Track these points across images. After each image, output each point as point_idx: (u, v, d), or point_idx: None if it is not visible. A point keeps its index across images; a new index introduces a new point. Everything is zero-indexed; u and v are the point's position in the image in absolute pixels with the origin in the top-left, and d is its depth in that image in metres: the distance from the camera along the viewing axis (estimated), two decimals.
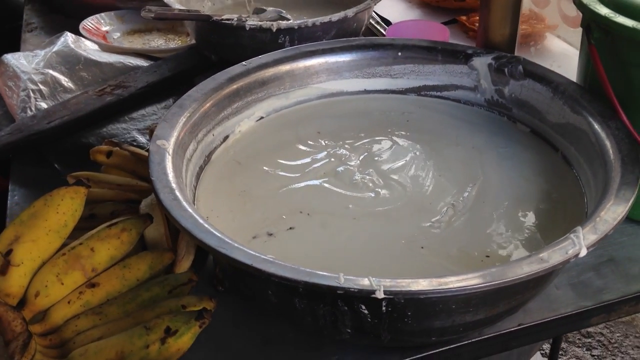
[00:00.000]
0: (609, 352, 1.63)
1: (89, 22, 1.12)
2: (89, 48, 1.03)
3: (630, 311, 0.65)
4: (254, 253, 0.51)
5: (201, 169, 0.71)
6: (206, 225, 0.54)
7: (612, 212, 0.54)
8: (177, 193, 0.57)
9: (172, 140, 0.65)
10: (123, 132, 0.86)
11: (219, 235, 0.53)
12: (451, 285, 0.48)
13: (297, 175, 0.70)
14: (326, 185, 0.69)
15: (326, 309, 0.53)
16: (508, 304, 0.55)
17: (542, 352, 1.56)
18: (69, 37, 1.01)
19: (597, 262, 0.68)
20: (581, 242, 0.51)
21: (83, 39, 1.05)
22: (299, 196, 0.67)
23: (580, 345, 1.66)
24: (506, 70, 0.77)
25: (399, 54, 0.83)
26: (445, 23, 1.13)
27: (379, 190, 0.68)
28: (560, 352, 1.46)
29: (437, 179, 0.69)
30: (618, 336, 1.67)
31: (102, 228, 0.58)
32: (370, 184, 0.69)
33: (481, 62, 0.79)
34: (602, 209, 0.55)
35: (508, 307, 0.56)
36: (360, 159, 0.73)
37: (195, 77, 0.99)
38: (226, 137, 0.76)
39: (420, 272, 0.58)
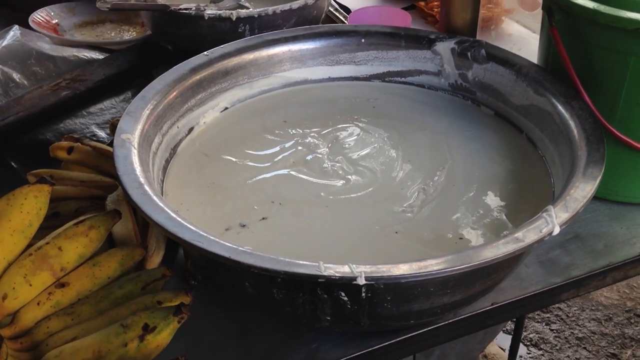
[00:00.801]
0: (567, 326, 1.69)
1: (38, 15, 1.08)
2: (39, 42, 0.99)
3: (598, 285, 0.67)
4: (231, 245, 0.50)
5: (167, 162, 0.69)
6: (179, 219, 0.52)
7: (582, 190, 0.55)
8: (146, 187, 0.56)
9: (137, 133, 0.63)
10: (82, 127, 0.83)
11: (193, 228, 0.51)
12: (431, 269, 0.48)
13: (266, 165, 0.70)
14: (296, 174, 0.68)
15: (305, 297, 0.52)
16: (484, 284, 0.56)
17: (504, 330, 1.60)
18: (18, 31, 0.97)
19: (563, 239, 0.69)
20: (554, 220, 0.52)
21: (33, 32, 1.01)
22: (270, 186, 0.67)
23: (539, 320, 1.71)
24: (469, 54, 0.77)
25: (362, 40, 0.82)
26: (403, 9, 1.14)
27: (350, 177, 0.68)
28: None
29: (406, 165, 0.69)
30: (575, 310, 1.72)
31: (69, 226, 0.56)
32: (341, 171, 0.68)
33: (444, 47, 0.79)
34: (571, 187, 0.56)
35: (483, 287, 0.56)
36: (328, 146, 0.72)
37: (153, 69, 0.97)
38: (191, 129, 0.74)
39: (397, 256, 0.58)
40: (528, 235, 0.51)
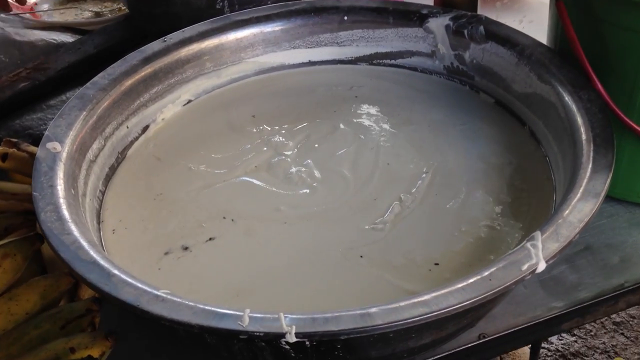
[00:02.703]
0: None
1: None
2: (10, 25, 0.92)
3: (608, 311, 0.56)
4: (144, 288, 0.42)
5: (112, 169, 0.61)
6: (91, 253, 0.45)
7: (578, 212, 0.45)
8: (64, 211, 0.48)
9: (68, 140, 0.55)
10: (38, 123, 0.76)
11: (104, 265, 0.44)
12: (378, 321, 0.39)
13: (223, 171, 0.61)
14: (256, 181, 0.60)
15: (241, 345, 0.44)
16: (457, 324, 0.46)
17: None
18: None
19: (571, 251, 0.59)
20: (539, 253, 0.42)
21: (1, 14, 0.94)
22: (224, 197, 0.58)
23: None
24: (466, 32, 0.66)
25: (345, 17, 0.72)
26: None
27: (316, 185, 0.59)
28: None
29: (385, 168, 0.60)
30: None
31: None
32: (308, 178, 0.59)
33: (437, 24, 0.68)
34: (566, 206, 0.46)
35: (458, 327, 0.47)
36: (297, 147, 0.63)
37: (126, 52, 0.88)
38: (146, 128, 0.66)
39: (357, 288, 0.49)
40: (503, 275, 0.41)
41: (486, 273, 0.41)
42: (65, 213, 0.48)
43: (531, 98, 0.61)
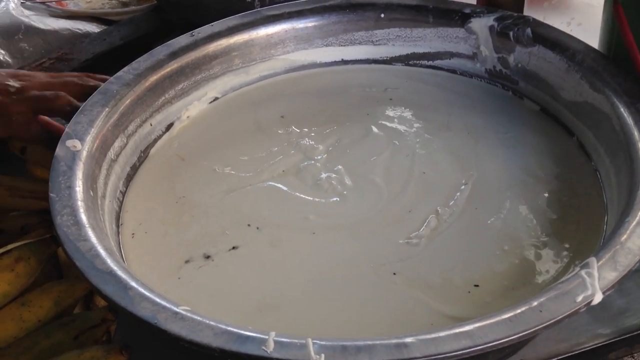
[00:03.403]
0: None
1: None
2: (35, 13, 0.90)
3: None
4: (163, 304, 0.39)
5: (134, 168, 0.59)
6: (108, 262, 0.42)
7: (638, 238, 0.41)
8: (81, 215, 0.45)
9: (89, 138, 0.53)
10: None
11: (121, 276, 0.41)
12: (416, 354, 0.36)
13: (248, 174, 0.58)
14: (283, 187, 0.56)
15: None
16: (498, 354, 0.43)
17: None
18: (10, 2, 0.87)
19: None
20: (595, 283, 0.38)
21: (27, 2, 0.92)
22: (249, 203, 0.55)
23: None
24: (511, 34, 0.62)
25: (382, 15, 0.68)
26: None
27: (347, 193, 0.55)
28: None
29: (420, 178, 0.56)
30: None
31: None
32: (338, 186, 0.56)
33: (481, 24, 0.64)
34: (624, 231, 0.42)
35: (499, 356, 0.44)
36: (328, 151, 0.60)
37: (153, 44, 0.85)
38: (170, 126, 0.63)
39: (389, 309, 0.46)
40: (555, 306, 0.37)
41: (536, 303, 0.37)
42: (83, 217, 0.45)
43: (581, 107, 0.57)
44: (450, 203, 0.53)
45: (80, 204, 0.46)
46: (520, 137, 0.59)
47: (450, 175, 0.56)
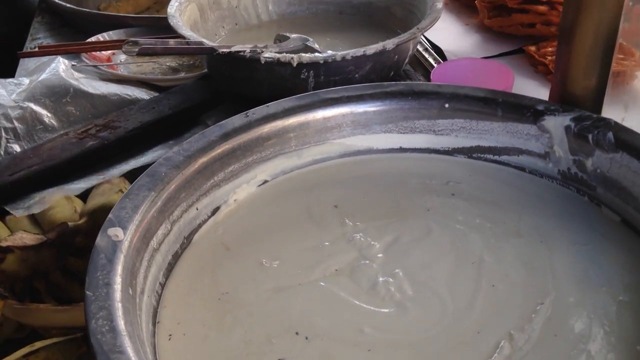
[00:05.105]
0: None
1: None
2: (85, 76, 0.88)
3: None
4: None
5: (176, 257, 0.54)
6: None
7: None
8: (119, 320, 0.41)
9: (132, 226, 0.49)
10: None
11: None
12: None
13: (298, 271, 0.53)
14: (337, 290, 0.51)
15: None
16: None
17: None
18: (60, 64, 0.86)
19: None
20: None
21: (84, 63, 0.91)
22: (298, 306, 0.50)
23: None
24: (590, 136, 0.57)
25: (447, 105, 0.64)
26: (509, 53, 0.94)
27: (408, 304, 0.50)
28: None
29: (490, 292, 0.50)
30: None
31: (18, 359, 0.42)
32: (397, 293, 0.51)
33: (556, 123, 0.59)
34: None
35: None
36: (385, 250, 0.55)
37: (202, 114, 0.83)
38: (216, 210, 0.59)
39: None
40: None
41: None
42: (120, 323, 0.41)
43: None
44: (525, 327, 0.47)
45: (118, 305, 0.42)
46: (602, 252, 0.53)
47: (523, 291, 0.50)
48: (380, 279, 0.52)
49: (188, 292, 0.52)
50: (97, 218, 0.57)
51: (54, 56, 0.88)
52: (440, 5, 0.84)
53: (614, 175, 0.56)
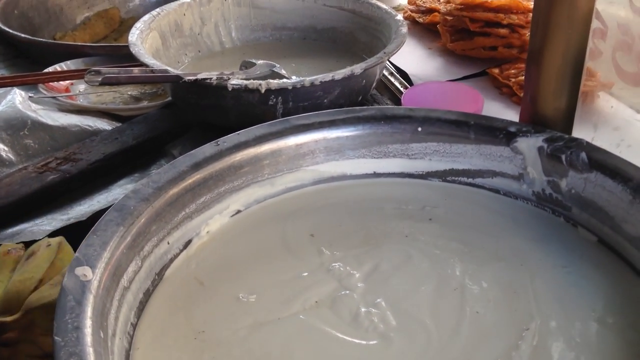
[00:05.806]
0: None
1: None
2: (43, 108, 0.85)
3: None
4: None
5: (147, 294, 0.52)
6: None
7: None
8: None
9: (102, 264, 0.46)
10: None
11: None
12: None
13: (278, 305, 0.51)
14: (318, 323, 0.49)
15: None
16: None
17: None
18: (17, 96, 0.83)
19: None
20: None
21: (35, 96, 0.87)
22: (278, 342, 0.48)
23: None
24: (564, 157, 0.57)
25: (419, 129, 0.64)
26: (472, 76, 0.95)
27: (392, 335, 0.48)
28: None
29: (474, 318, 0.49)
30: None
31: None
32: (380, 324, 0.49)
33: (528, 144, 0.60)
34: None
35: None
36: (366, 280, 0.53)
37: (167, 144, 0.81)
38: (188, 243, 0.57)
39: None
40: None
41: None
42: None
43: None
44: (513, 354, 0.46)
45: (89, 350, 0.39)
46: (583, 274, 0.53)
47: (508, 317, 0.49)
48: (363, 309, 0.50)
49: (161, 332, 0.49)
50: (36, 317, 0.49)
51: (9, 88, 0.85)
52: (404, 30, 0.85)
53: (589, 196, 0.56)
